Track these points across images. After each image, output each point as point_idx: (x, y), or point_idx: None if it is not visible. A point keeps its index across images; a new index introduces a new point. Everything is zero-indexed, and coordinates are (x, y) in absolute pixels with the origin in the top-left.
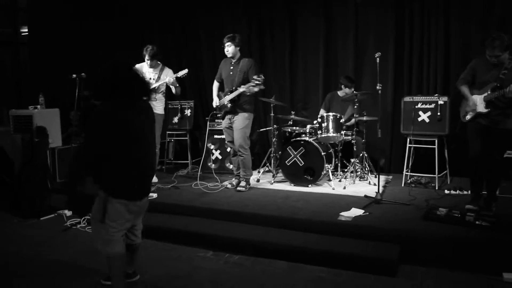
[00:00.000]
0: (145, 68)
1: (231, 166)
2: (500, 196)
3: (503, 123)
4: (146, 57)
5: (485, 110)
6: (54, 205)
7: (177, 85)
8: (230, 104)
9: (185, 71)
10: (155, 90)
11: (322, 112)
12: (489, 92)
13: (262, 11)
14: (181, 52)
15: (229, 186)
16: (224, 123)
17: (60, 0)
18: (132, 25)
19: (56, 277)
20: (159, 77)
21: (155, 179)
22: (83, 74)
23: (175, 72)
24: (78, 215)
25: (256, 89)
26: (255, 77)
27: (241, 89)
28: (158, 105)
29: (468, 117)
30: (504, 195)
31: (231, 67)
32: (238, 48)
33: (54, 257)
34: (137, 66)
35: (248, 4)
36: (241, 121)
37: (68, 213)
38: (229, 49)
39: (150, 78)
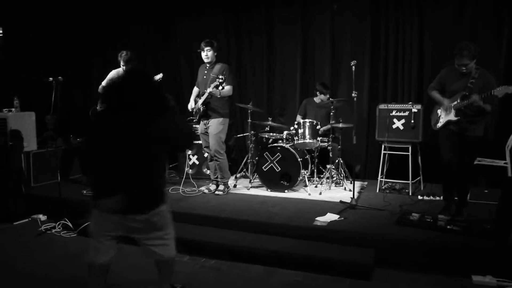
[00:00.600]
0: (121, 73)
1: (208, 172)
2: (470, 201)
3: (471, 131)
4: (121, 63)
5: (454, 118)
6: (28, 210)
7: None
8: (202, 107)
9: (160, 75)
10: None
11: (299, 118)
12: (458, 101)
13: (241, 16)
14: (158, 56)
15: (206, 191)
16: (200, 128)
17: (36, 1)
18: (109, 28)
19: (31, 286)
20: None
21: None
22: (60, 77)
23: None
24: (53, 220)
25: (220, 88)
26: (220, 76)
27: (208, 89)
28: None
29: (439, 124)
30: (475, 201)
31: (205, 71)
32: (215, 54)
33: (28, 263)
34: (113, 72)
35: (227, 9)
36: (215, 126)
37: (42, 217)
38: (209, 54)
39: None
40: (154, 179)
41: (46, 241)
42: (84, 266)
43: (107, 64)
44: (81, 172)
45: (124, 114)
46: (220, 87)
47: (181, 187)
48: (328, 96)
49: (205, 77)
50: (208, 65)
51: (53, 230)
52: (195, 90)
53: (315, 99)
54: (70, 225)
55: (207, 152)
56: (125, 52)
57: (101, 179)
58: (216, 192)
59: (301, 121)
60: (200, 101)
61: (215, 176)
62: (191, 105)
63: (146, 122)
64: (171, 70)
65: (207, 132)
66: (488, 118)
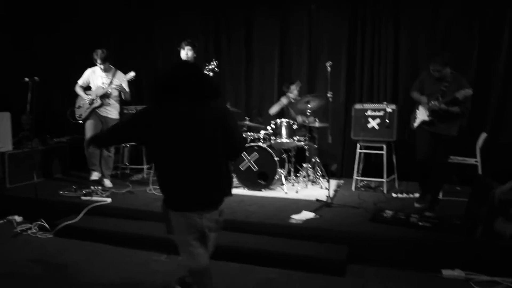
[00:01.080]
0: (97, 72)
1: None
2: (443, 199)
3: (444, 130)
4: (98, 61)
5: (427, 118)
6: (3, 211)
7: (127, 90)
8: None
9: (132, 74)
10: (108, 96)
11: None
12: (432, 103)
13: (219, 18)
14: (137, 56)
15: None
16: None
17: (14, 1)
18: (87, 28)
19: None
20: (111, 82)
21: (109, 184)
22: (36, 77)
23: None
24: (29, 221)
25: None
26: None
27: None
28: (112, 110)
29: (415, 124)
30: (447, 198)
31: None
32: (195, 56)
33: (4, 264)
34: (89, 70)
35: (205, 10)
36: None
37: (18, 218)
38: (189, 53)
39: (103, 83)
40: (227, 171)
41: (22, 242)
42: (60, 267)
43: (86, 64)
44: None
45: (202, 104)
46: (211, 73)
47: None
48: (289, 90)
49: None
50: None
51: (29, 231)
52: None
53: (290, 98)
54: (47, 226)
55: None
56: (101, 50)
57: (182, 174)
58: None
59: (278, 120)
60: None
61: None
62: None
63: (220, 111)
64: (151, 72)
65: None
66: (462, 119)
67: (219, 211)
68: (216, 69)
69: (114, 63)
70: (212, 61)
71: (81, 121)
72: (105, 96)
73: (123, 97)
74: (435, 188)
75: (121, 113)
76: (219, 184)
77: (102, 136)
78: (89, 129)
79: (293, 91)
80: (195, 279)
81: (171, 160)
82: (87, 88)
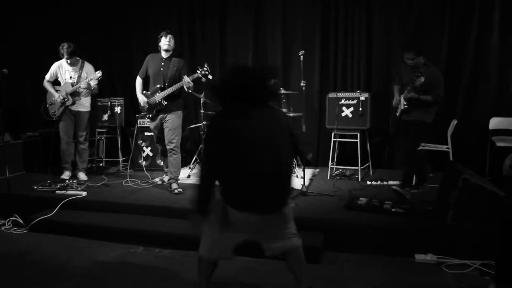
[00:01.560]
0: (64, 67)
1: (162, 163)
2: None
3: (414, 115)
4: (65, 56)
5: (403, 107)
6: None
7: (92, 88)
8: (165, 102)
9: (99, 73)
10: (78, 93)
11: None
12: (406, 92)
13: (194, 6)
14: (111, 48)
15: (159, 182)
16: (155, 123)
17: None
18: (61, 21)
19: None
20: (79, 76)
21: (84, 177)
22: (4, 70)
23: (95, 67)
24: (3, 217)
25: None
26: (189, 78)
27: (186, 80)
28: (83, 104)
29: (397, 113)
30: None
31: (162, 63)
32: (174, 46)
33: None
34: (55, 64)
35: (180, 7)
36: (176, 120)
37: None
38: (171, 42)
39: (71, 77)
40: (290, 171)
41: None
42: (36, 262)
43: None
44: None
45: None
46: (204, 79)
47: (134, 179)
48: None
49: (162, 69)
50: (164, 58)
51: (3, 227)
52: (140, 81)
53: None
54: (21, 221)
55: (161, 148)
56: (67, 44)
57: (247, 178)
58: (176, 191)
59: None
60: (162, 95)
61: (167, 169)
62: (143, 98)
63: (281, 115)
64: (124, 62)
65: (159, 128)
66: (435, 106)
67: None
68: (209, 75)
69: (89, 55)
70: (204, 66)
71: (55, 119)
72: (75, 93)
73: (91, 91)
74: (405, 174)
75: (95, 105)
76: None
77: (204, 197)
78: (63, 127)
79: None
80: (199, 265)
81: (244, 165)
82: (55, 82)
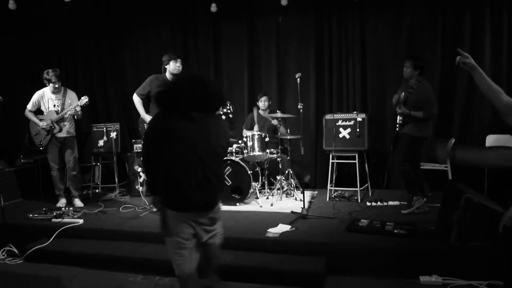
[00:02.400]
0: (47, 95)
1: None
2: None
3: (406, 129)
4: (53, 80)
5: (399, 121)
6: None
7: (79, 113)
8: None
9: (85, 99)
10: (63, 119)
11: (245, 131)
12: (397, 108)
13: (187, 29)
14: (105, 70)
15: (155, 209)
16: None
17: None
18: (52, 41)
19: None
20: (63, 103)
21: (79, 204)
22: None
23: (78, 95)
24: None
25: None
26: None
27: None
28: (68, 129)
29: (397, 129)
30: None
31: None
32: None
33: None
34: (37, 94)
35: (173, 18)
36: None
37: None
38: (181, 67)
39: (54, 105)
40: (221, 174)
41: None
42: None
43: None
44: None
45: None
46: (224, 117)
47: (131, 205)
48: (263, 102)
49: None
50: (168, 78)
51: None
52: (140, 101)
53: (259, 111)
54: (16, 251)
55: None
56: (52, 69)
57: (184, 179)
58: None
59: (250, 134)
60: None
61: None
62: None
63: (216, 121)
64: (119, 87)
65: None
66: (428, 122)
67: (214, 211)
68: (230, 115)
69: (83, 81)
70: (228, 105)
71: (42, 148)
72: (60, 120)
73: (75, 117)
74: (407, 186)
75: (90, 132)
76: (215, 187)
77: (149, 181)
78: (51, 156)
79: (261, 102)
80: (180, 285)
81: (180, 165)
82: (36, 112)
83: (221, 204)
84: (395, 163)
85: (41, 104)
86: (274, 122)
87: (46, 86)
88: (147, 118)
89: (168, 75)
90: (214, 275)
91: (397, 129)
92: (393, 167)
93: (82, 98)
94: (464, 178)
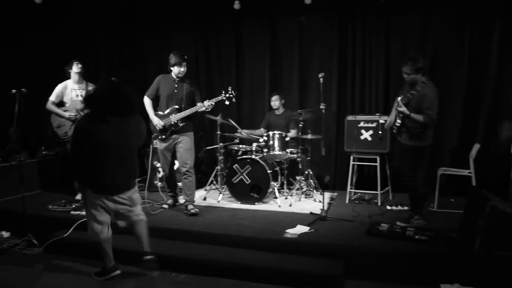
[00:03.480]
0: (70, 86)
1: (179, 184)
2: (437, 210)
3: (407, 139)
4: (77, 71)
5: (397, 124)
6: None
7: None
8: (182, 123)
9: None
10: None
11: (262, 130)
12: (396, 105)
13: (208, 28)
14: (125, 67)
15: (165, 206)
16: (166, 144)
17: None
18: (75, 41)
19: None
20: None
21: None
22: (23, 89)
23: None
24: (17, 237)
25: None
26: (211, 102)
27: (206, 103)
28: None
29: (394, 131)
30: (441, 210)
31: (176, 85)
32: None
33: None
34: (60, 85)
35: (195, 20)
36: (189, 141)
37: (5, 234)
38: (183, 69)
39: (77, 96)
40: (134, 163)
41: (9, 259)
42: (50, 284)
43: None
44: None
45: (118, 116)
46: (227, 102)
47: (150, 201)
48: (273, 101)
49: (176, 91)
50: (177, 80)
51: (17, 247)
52: (149, 102)
53: (275, 111)
54: (35, 241)
55: (164, 170)
56: (76, 61)
57: (103, 170)
58: (192, 211)
59: (270, 133)
60: (179, 116)
61: (170, 193)
62: (158, 121)
63: (131, 121)
64: (139, 83)
65: (171, 149)
66: (427, 130)
67: (131, 192)
68: (233, 99)
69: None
70: (229, 89)
71: (67, 140)
72: (85, 109)
73: None
74: (411, 201)
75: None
76: (129, 176)
77: (74, 170)
78: None
79: (272, 101)
80: (95, 244)
81: (97, 159)
82: (58, 104)
83: (136, 188)
84: (403, 178)
85: (64, 95)
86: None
87: (68, 79)
88: (155, 119)
89: (173, 75)
90: (151, 263)
91: (394, 131)
92: (407, 185)
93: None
94: (488, 184)
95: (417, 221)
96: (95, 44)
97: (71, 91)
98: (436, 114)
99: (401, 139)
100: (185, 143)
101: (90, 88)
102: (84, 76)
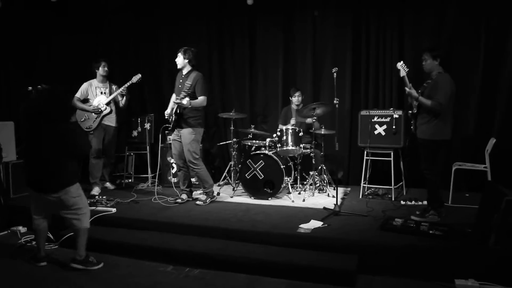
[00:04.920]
0: (95, 84)
1: (193, 180)
2: (452, 206)
3: (424, 133)
4: (104, 71)
5: (413, 111)
6: (7, 222)
7: (125, 100)
8: (174, 117)
9: (138, 76)
10: (109, 103)
11: (280, 126)
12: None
13: (223, 24)
14: (141, 64)
15: (179, 201)
16: (174, 135)
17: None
18: (93, 37)
19: None
20: (110, 90)
21: (111, 186)
22: (39, 86)
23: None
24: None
25: (186, 100)
26: (185, 89)
27: (176, 101)
28: (112, 118)
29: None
30: (456, 205)
31: (181, 80)
32: (186, 61)
33: (8, 277)
34: (85, 84)
35: (209, 17)
36: (186, 136)
37: (22, 229)
38: (178, 60)
39: (102, 93)
40: (61, 169)
41: (26, 254)
42: (65, 278)
43: (90, 75)
44: None
45: (44, 120)
46: (186, 99)
47: (163, 196)
48: (297, 97)
49: (180, 85)
50: (184, 73)
51: (34, 242)
52: (173, 97)
53: (292, 105)
54: (51, 236)
55: (174, 161)
56: (103, 61)
57: (34, 170)
58: (197, 203)
59: (284, 128)
60: (171, 110)
61: (185, 186)
62: (167, 112)
63: (55, 126)
64: (154, 78)
65: (179, 140)
66: (436, 120)
67: (58, 195)
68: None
69: (119, 72)
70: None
71: (91, 132)
72: (109, 103)
73: (120, 104)
74: (428, 195)
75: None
76: (57, 177)
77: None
78: (95, 142)
79: (294, 97)
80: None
81: (29, 159)
82: (83, 101)
83: (72, 189)
84: (424, 173)
85: (89, 92)
86: (308, 120)
87: (93, 78)
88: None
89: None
90: (77, 255)
91: (411, 125)
92: (426, 178)
93: (134, 76)
94: (504, 179)
95: (432, 216)
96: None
97: (95, 88)
98: (446, 101)
99: (419, 134)
100: (183, 138)
101: (114, 86)
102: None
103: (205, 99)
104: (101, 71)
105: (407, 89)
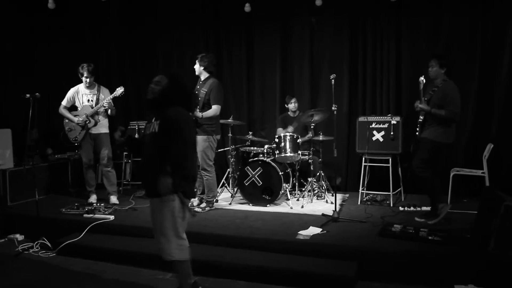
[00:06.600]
0: (82, 91)
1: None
2: (450, 211)
3: (426, 133)
4: (86, 75)
5: (420, 120)
6: (4, 229)
7: (113, 107)
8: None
9: (121, 89)
10: (98, 113)
11: (279, 130)
12: (417, 103)
13: (220, 31)
14: (138, 70)
15: (194, 204)
16: None
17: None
18: (88, 45)
19: None
20: (97, 98)
21: (115, 201)
22: (37, 94)
23: (111, 91)
24: (31, 240)
25: (198, 111)
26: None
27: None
28: (102, 126)
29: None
30: (454, 211)
31: (198, 86)
32: (202, 68)
33: (5, 285)
34: (72, 90)
35: (206, 25)
36: (200, 143)
37: (19, 237)
38: (195, 67)
39: (88, 101)
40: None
41: (23, 262)
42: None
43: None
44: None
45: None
46: (198, 112)
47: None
48: (293, 104)
49: (197, 92)
50: (201, 80)
51: (31, 250)
52: None
53: (289, 112)
54: (49, 244)
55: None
56: (87, 64)
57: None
58: (196, 209)
59: (282, 134)
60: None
61: (200, 192)
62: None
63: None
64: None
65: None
66: (449, 125)
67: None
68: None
69: (116, 80)
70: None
71: (77, 144)
72: (95, 114)
73: (109, 113)
74: (429, 197)
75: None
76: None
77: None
78: (85, 152)
79: (290, 104)
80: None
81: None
82: (71, 108)
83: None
84: (414, 169)
85: (76, 99)
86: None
87: (81, 82)
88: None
89: None
90: None
91: (417, 131)
92: (419, 178)
93: (117, 89)
94: (502, 184)
95: (443, 209)
96: (106, 47)
97: (82, 96)
98: (459, 109)
99: (421, 134)
100: (198, 144)
101: (105, 90)
102: (96, 79)
103: (218, 108)
104: (84, 73)
105: (420, 105)
